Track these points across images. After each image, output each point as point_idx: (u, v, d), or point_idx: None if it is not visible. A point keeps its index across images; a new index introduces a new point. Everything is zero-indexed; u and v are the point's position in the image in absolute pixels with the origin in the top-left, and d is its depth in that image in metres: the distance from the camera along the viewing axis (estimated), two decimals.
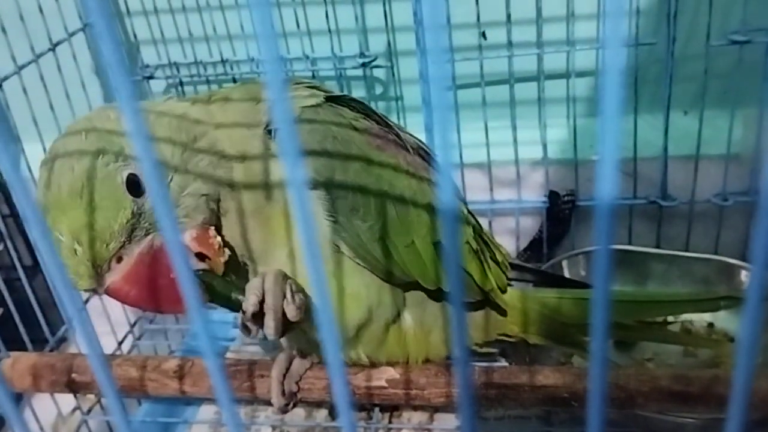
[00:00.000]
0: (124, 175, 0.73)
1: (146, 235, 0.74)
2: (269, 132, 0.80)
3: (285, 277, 0.80)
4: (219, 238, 0.79)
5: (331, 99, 0.85)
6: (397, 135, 0.89)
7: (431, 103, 1.34)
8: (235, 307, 0.79)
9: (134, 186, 0.73)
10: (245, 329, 0.78)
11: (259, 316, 0.77)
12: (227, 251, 0.79)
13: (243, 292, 0.79)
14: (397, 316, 0.90)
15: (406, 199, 0.84)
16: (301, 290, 0.80)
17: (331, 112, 0.82)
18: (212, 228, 0.78)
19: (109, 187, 0.72)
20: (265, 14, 0.27)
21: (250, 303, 0.76)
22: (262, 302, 0.77)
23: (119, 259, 0.73)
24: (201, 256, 0.77)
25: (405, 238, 0.84)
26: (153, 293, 0.75)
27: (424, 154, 0.92)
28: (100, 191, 0.71)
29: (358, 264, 0.83)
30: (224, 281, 0.81)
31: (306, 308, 0.79)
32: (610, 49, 0.27)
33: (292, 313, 0.77)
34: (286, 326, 0.78)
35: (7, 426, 1.21)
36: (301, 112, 0.81)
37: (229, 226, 0.81)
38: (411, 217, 0.85)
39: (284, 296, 0.77)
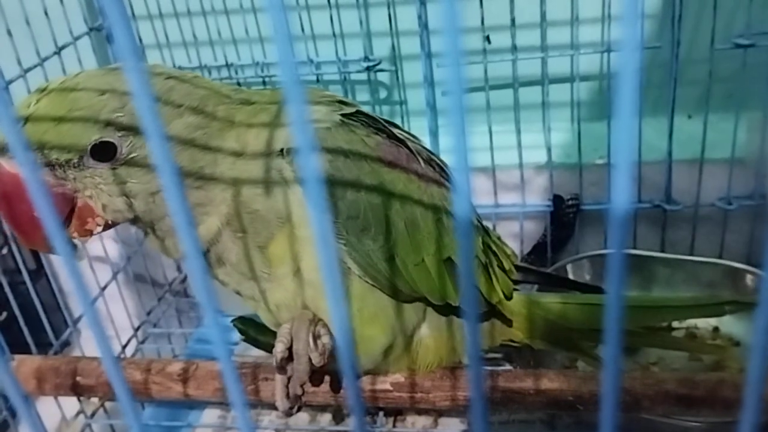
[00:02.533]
0: (97, 138, 0.73)
1: (68, 185, 0.75)
2: (281, 153, 0.79)
3: (312, 320, 0.82)
4: (98, 229, 0.78)
5: (343, 116, 0.85)
6: (409, 148, 0.88)
7: (435, 106, 1.34)
8: (270, 351, 0.83)
9: (103, 150, 0.73)
10: (281, 370, 0.83)
11: (289, 360, 0.81)
12: (83, 241, 0.80)
13: (275, 337, 0.83)
14: (410, 331, 0.90)
15: (417, 218, 0.84)
16: (328, 332, 0.83)
17: (343, 132, 0.81)
18: (101, 218, 0.78)
19: (78, 128, 0.72)
20: (280, 18, 0.27)
21: (278, 351, 0.80)
22: (290, 348, 0.81)
23: None
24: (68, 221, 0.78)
25: (415, 256, 0.84)
26: (13, 207, 0.74)
27: (435, 165, 0.92)
28: (75, 114, 0.72)
29: (367, 282, 0.83)
30: (258, 328, 0.87)
31: (332, 349, 0.82)
32: (624, 53, 0.27)
33: (315, 360, 0.80)
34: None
35: (12, 428, 1.20)
36: (315, 134, 0.80)
37: (228, 241, 0.81)
38: (422, 235, 0.84)
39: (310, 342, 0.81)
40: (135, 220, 0.79)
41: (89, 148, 0.73)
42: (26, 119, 0.72)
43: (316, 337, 0.82)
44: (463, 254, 0.32)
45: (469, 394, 0.34)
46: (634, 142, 0.28)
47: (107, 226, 0.79)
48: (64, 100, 0.73)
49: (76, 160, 0.73)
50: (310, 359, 0.81)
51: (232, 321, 0.92)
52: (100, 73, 0.77)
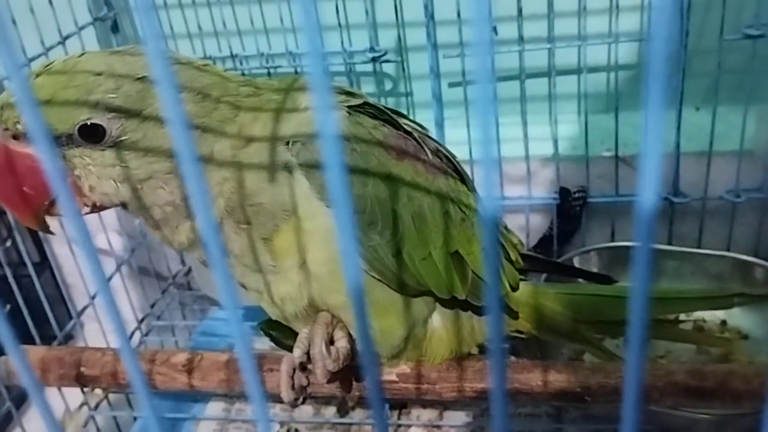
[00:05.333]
0: (86, 118, 0.72)
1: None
2: (287, 145, 0.78)
3: (330, 323, 0.83)
4: (85, 209, 0.78)
5: (350, 107, 0.83)
6: (416, 140, 0.87)
7: (441, 98, 1.33)
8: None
9: (92, 132, 0.72)
10: (303, 371, 0.86)
11: (310, 362, 0.84)
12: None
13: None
14: (422, 322, 0.90)
15: (424, 212, 0.83)
16: (346, 335, 0.83)
17: (350, 123, 0.80)
18: (89, 198, 0.77)
19: (68, 107, 0.71)
20: (308, 8, 0.26)
21: (296, 356, 0.83)
22: (308, 352, 0.83)
23: (17, 137, 0.73)
24: None
25: (422, 250, 0.83)
26: (3, 181, 0.74)
27: (442, 156, 0.91)
28: (68, 92, 0.71)
29: (373, 277, 0.82)
30: (282, 331, 0.89)
31: (348, 353, 0.83)
32: (655, 42, 0.27)
33: (330, 366, 0.81)
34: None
35: (15, 422, 1.20)
36: None
37: (231, 232, 0.80)
38: (429, 229, 0.83)
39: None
40: (125, 206, 0.78)
41: (77, 127, 0.72)
42: None
43: (332, 342, 0.83)
44: (488, 249, 0.31)
45: (490, 386, 0.34)
46: (663, 134, 0.27)
47: (95, 208, 0.78)
48: (60, 78, 0.72)
49: (64, 139, 0.72)
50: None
51: (258, 324, 0.93)
52: (103, 54, 0.76)
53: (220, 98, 0.77)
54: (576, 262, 1.34)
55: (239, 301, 0.84)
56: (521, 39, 1.29)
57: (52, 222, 0.80)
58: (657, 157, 0.28)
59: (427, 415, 1.27)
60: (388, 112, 0.87)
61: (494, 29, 1.37)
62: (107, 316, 0.36)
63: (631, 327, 0.33)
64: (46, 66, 0.74)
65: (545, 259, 1.17)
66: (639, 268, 0.31)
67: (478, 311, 0.93)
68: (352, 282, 0.32)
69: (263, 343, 1.39)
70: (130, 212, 0.80)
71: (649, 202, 0.30)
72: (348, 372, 0.90)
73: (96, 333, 1.33)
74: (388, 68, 1.46)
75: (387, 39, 1.39)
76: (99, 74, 0.72)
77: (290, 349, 0.87)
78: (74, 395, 1.28)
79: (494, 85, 1.35)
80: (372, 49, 1.35)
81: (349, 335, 0.84)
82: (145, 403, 0.39)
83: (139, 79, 0.73)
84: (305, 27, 0.26)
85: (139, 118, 0.73)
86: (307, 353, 0.82)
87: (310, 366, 0.84)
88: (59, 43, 1.24)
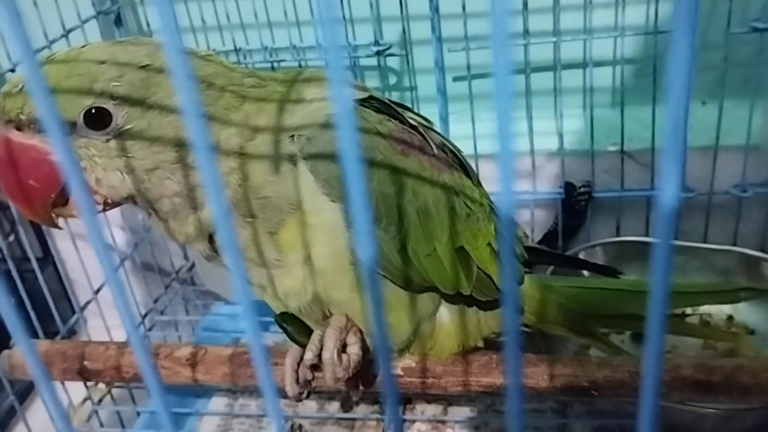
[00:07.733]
0: (90, 104, 0.71)
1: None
2: (292, 138, 0.78)
3: (344, 327, 0.83)
4: (98, 207, 0.77)
5: (356, 100, 0.83)
6: (422, 134, 0.87)
7: (445, 92, 1.33)
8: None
9: (98, 118, 0.72)
10: (315, 369, 0.86)
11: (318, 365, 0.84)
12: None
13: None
14: (429, 317, 0.89)
15: (429, 207, 0.82)
16: (359, 340, 0.84)
17: (356, 117, 0.80)
18: (100, 195, 0.76)
19: (73, 94, 0.71)
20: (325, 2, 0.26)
21: (307, 359, 0.83)
22: (320, 355, 0.83)
23: (20, 128, 0.72)
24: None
25: (427, 246, 0.83)
26: (9, 176, 0.74)
27: (448, 151, 0.90)
28: (73, 77, 0.71)
29: (378, 273, 0.82)
30: (296, 326, 0.89)
31: (359, 360, 0.83)
32: (678, 35, 0.26)
33: (339, 374, 0.82)
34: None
35: (18, 417, 1.19)
36: (326, 120, 0.78)
37: (236, 225, 0.79)
38: (434, 225, 0.83)
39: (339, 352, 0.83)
40: (133, 199, 0.77)
41: (82, 114, 0.71)
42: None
43: (344, 347, 0.83)
44: (503, 245, 0.31)
45: (506, 382, 0.33)
46: (685, 128, 0.27)
47: (107, 204, 0.77)
48: (63, 68, 0.72)
49: (69, 128, 0.72)
50: None
51: (275, 316, 0.92)
52: (106, 44, 0.76)
53: (224, 87, 0.77)
54: (582, 257, 1.33)
55: (250, 290, 0.84)
56: (526, 32, 1.28)
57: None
58: (678, 155, 0.28)
59: (432, 410, 1.26)
60: (394, 105, 0.86)
61: None
62: (115, 305, 0.36)
63: (649, 322, 0.32)
64: (49, 57, 0.74)
65: (550, 251, 1.17)
66: (659, 264, 0.31)
67: (483, 306, 0.93)
68: (367, 274, 0.32)
69: (266, 338, 1.39)
70: (139, 205, 0.79)
71: (670, 200, 0.29)
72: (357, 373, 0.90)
73: (99, 329, 1.33)
74: (393, 62, 1.46)
75: (391, 33, 1.38)
76: (102, 63, 0.72)
77: (302, 345, 0.87)
78: (77, 390, 1.28)
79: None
80: (376, 43, 1.34)
81: (362, 341, 0.84)
82: (153, 387, 0.38)
83: (142, 67, 0.72)
84: (324, 20, 0.26)
85: (143, 107, 0.72)
86: (319, 355, 0.83)
87: (321, 365, 0.84)
88: (62, 36, 1.24)
